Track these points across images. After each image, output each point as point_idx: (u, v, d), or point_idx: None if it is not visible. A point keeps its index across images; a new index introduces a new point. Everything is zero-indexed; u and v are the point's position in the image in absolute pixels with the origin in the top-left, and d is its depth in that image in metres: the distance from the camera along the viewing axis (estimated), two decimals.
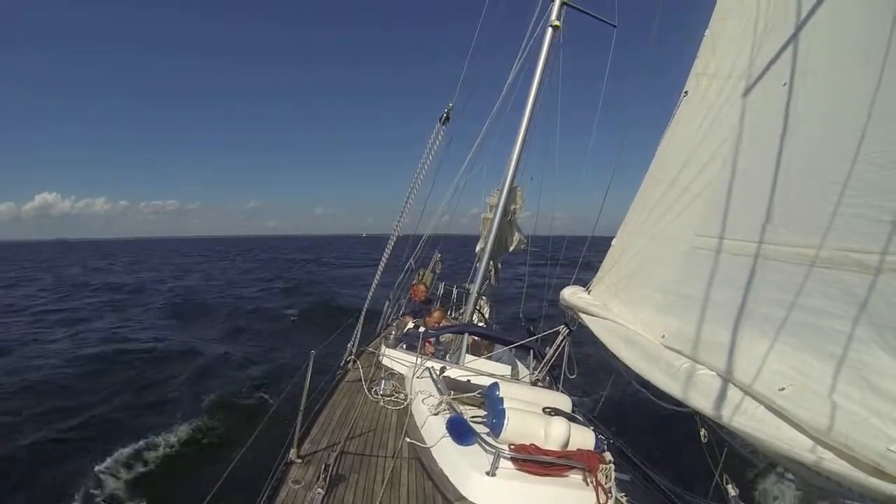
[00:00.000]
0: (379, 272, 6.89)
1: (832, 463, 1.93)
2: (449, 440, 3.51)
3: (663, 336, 3.17)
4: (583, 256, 5.78)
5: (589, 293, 4.07)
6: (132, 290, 26.76)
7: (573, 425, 3.49)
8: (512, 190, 7.33)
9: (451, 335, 6.30)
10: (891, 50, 2.17)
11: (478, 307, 7.93)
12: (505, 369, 5.59)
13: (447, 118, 7.12)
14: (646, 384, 3.05)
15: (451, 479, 3.29)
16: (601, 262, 4.05)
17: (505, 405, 3.53)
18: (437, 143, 6.98)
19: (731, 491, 2.90)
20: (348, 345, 6.04)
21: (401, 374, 5.50)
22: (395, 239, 7.14)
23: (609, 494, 3.07)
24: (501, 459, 3.17)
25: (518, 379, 5.59)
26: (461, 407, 4.09)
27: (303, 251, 76.21)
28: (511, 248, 8.65)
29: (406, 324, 7.22)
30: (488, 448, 3.27)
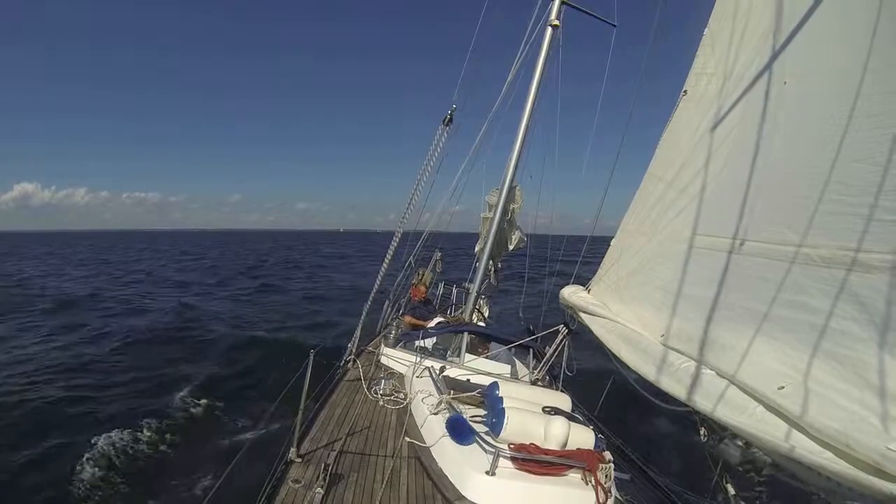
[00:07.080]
0: (383, 270, 6.87)
1: (832, 462, 1.93)
2: (448, 439, 3.51)
3: (663, 335, 3.17)
4: (582, 255, 5.78)
5: (589, 292, 4.07)
6: None
7: (573, 424, 3.48)
8: (511, 189, 7.32)
9: (450, 334, 6.29)
10: (886, 49, 2.17)
11: (477, 306, 7.92)
12: (504, 368, 5.59)
13: (450, 119, 7.12)
14: (646, 383, 3.05)
15: (450, 478, 3.29)
16: (601, 260, 4.06)
17: (504, 404, 3.53)
18: (441, 144, 6.98)
19: (731, 490, 2.90)
20: (348, 344, 6.04)
21: (400, 373, 5.51)
22: (399, 235, 7.11)
23: (608, 493, 3.07)
24: (501, 459, 3.17)
25: (518, 378, 5.59)
26: (461, 406, 4.09)
27: None
28: (511, 248, 8.65)
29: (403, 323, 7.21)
30: (488, 447, 3.27)
